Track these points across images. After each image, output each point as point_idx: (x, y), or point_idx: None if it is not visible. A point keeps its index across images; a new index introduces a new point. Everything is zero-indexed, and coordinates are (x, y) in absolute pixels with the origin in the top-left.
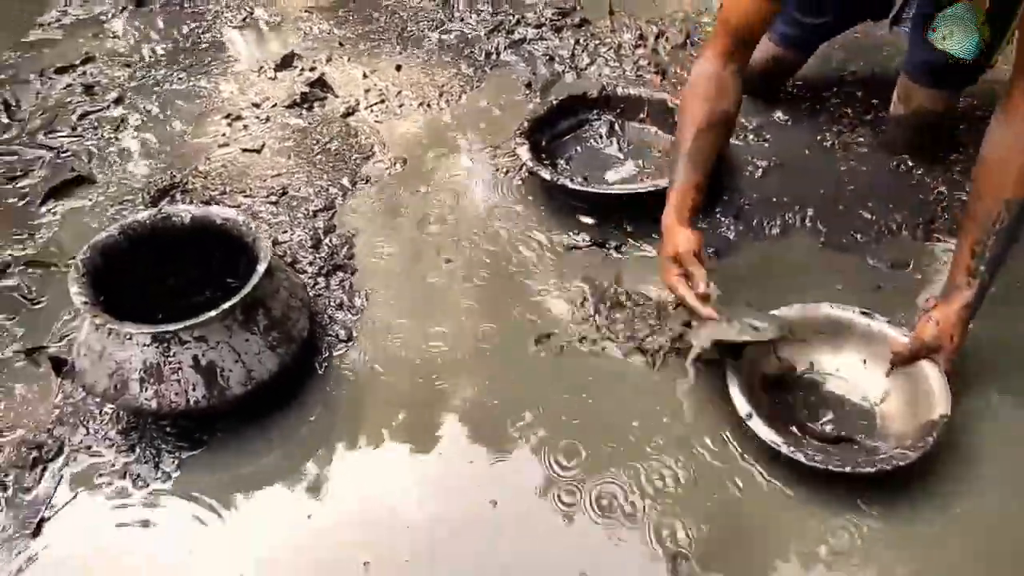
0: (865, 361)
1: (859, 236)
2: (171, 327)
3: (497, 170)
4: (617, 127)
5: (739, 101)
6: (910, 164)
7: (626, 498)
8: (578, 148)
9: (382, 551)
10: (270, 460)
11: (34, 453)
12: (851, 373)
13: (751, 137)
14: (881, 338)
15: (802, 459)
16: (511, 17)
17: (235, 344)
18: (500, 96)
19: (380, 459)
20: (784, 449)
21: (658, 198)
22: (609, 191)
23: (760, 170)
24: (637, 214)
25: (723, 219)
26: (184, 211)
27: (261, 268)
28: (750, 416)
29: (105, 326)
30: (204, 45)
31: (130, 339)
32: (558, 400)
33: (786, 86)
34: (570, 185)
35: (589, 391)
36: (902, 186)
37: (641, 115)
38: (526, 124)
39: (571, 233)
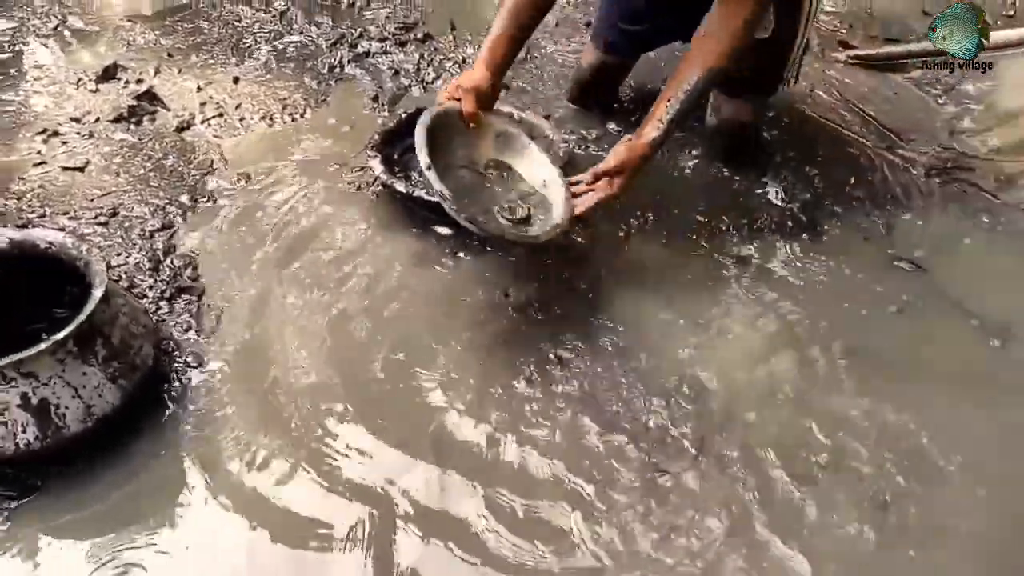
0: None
1: (695, 236)
2: None
3: (349, 184)
4: None
5: None
6: (726, 172)
7: None
8: None
9: None
10: (113, 502)
11: None
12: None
13: (592, 148)
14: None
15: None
16: (353, 30)
17: (70, 378)
18: (347, 110)
19: (238, 495)
20: (446, 205)
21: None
22: (469, 224)
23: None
24: None
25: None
26: (1, 234)
27: (97, 294)
28: (429, 167)
29: None
30: (9, 56)
31: None
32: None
33: (620, 99)
34: (426, 197)
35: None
36: (725, 190)
37: None
38: (377, 137)
39: (433, 243)
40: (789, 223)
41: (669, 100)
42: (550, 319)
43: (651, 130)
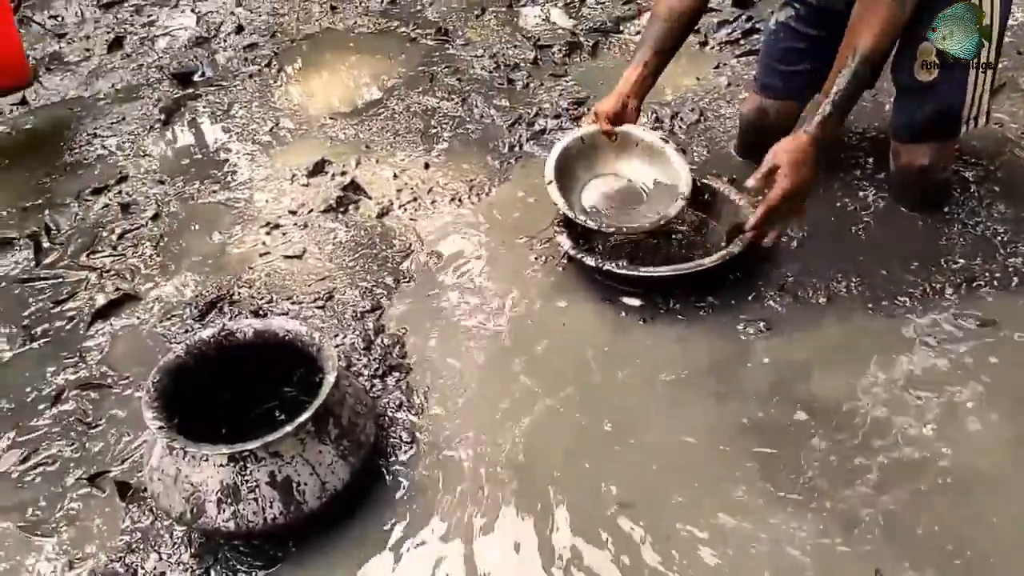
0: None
1: (906, 300)
2: (248, 445)
3: (536, 258)
4: None
5: None
6: (926, 220)
7: None
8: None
9: None
10: (345, 573)
11: None
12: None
13: None
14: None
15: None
16: (529, 110)
17: (308, 456)
18: (529, 186)
19: (460, 562)
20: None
21: (702, 276)
22: (655, 273)
23: (794, 241)
24: (682, 292)
25: (768, 292)
26: (247, 326)
27: (330, 379)
28: (550, 183)
29: (181, 449)
30: (236, 157)
31: (206, 460)
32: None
33: None
34: (616, 270)
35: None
36: (930, 243)
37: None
38: (563, 214)
39: (620, 314)
40: (1014, 279)
41: (828, 92)
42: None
43: (812, 122)
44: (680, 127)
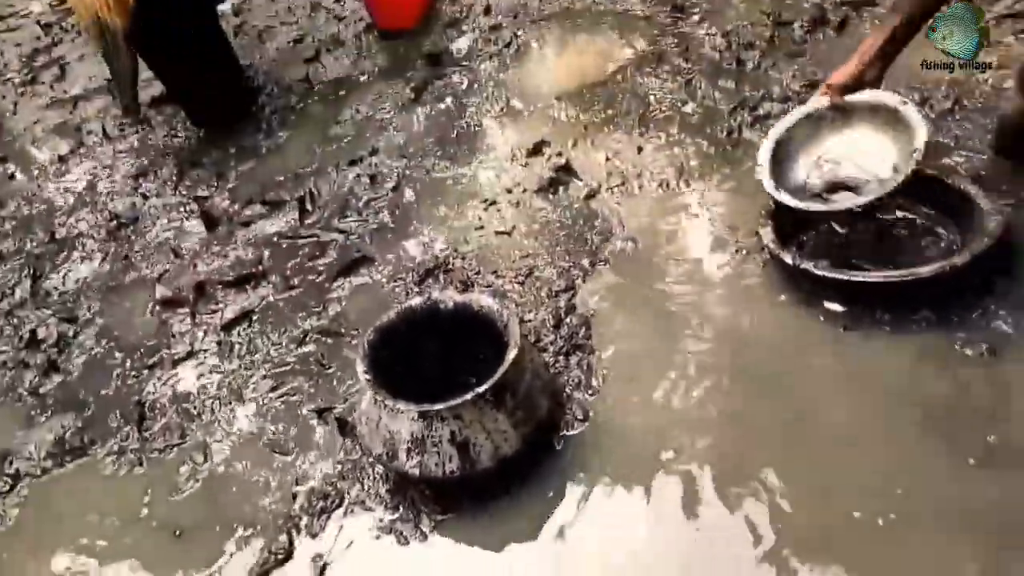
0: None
1: None
2: (435, 406)
3: (737, 251)
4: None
5: None
6: None
7: None
8: (828, 231)
9: None
10: (512, 529)
11: (321, 502)
12: None
13: None
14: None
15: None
16: (755, 92)
17: (486, 423)
18: (740, 175)
19: (622, 538)
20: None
21: (920, 285)
22: (854, 278)
23: None
24: (898, 302)
25: (1000, 311)
26: (449, 298)
27: (511, 355)
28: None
29: (383, 401)
30: (468, 135)
31: (401, 413)
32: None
33: None
34: (814, 271)
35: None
36: None
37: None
38: (772, 205)
39: (820, 319)
40: None
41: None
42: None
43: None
44: (929, 115)
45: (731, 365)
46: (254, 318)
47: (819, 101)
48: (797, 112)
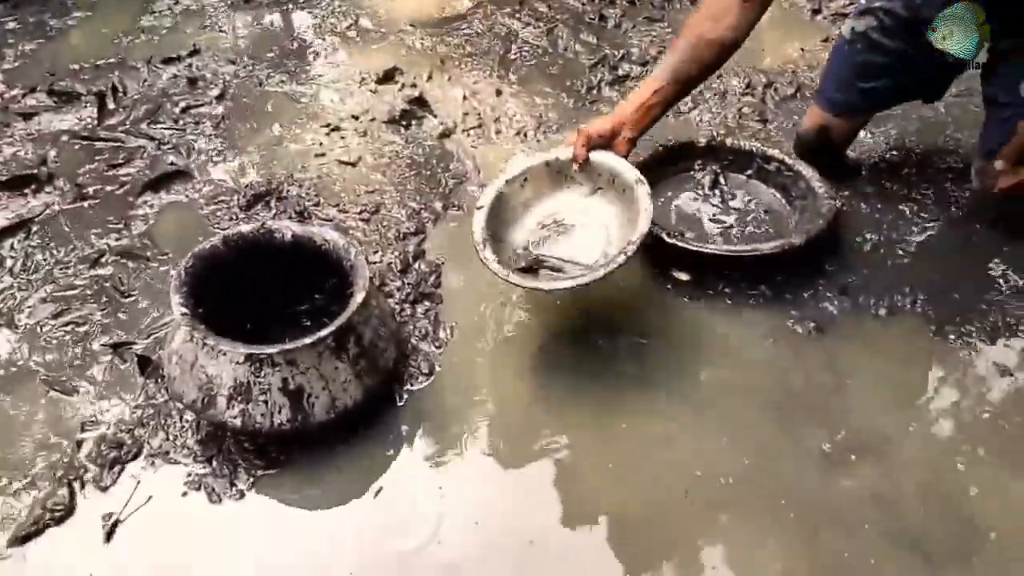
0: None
1: (973, 330)
2: (267, 349)
3: None
4: (721, 180)
5: (742, 28)
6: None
7: None
8: (678, 199)
9: None
10: (341, 488)
11: (114, 452)
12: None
13: (857, 204)
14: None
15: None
16: (615, 52)
17: (324, 371)
18: None
19: (456, 498)
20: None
21: (761, 261)
22: (705, 249)
23: (868, 244)
24: (737, 275)
25: (827, 293)
26: (286, 227)
27: (358, 298)
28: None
29: (201, 339)
30: (309, 49)
31: (224, 355)
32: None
33: (858, 160)
34: (666, 239)
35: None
36: (1017, 271)
37: (748, 170)
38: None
39: (667, 287)
40: None
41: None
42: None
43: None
44: (772, 98)
45: (576, 327)
46: (33, 229)
47: (563, 152)
48: (539, 157)
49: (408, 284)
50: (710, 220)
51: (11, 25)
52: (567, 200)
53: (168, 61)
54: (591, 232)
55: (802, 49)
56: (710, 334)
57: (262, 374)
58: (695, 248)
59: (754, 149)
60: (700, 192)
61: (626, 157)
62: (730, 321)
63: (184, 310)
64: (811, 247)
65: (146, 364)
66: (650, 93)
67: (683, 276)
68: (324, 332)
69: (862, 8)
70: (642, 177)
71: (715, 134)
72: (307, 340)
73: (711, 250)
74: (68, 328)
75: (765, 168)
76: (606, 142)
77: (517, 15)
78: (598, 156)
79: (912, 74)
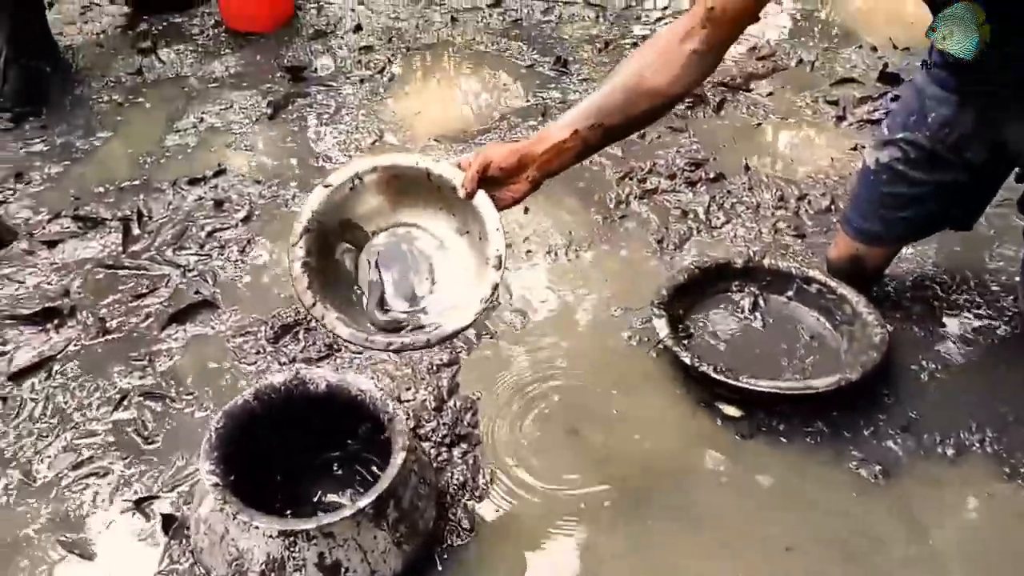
0: None
1: None
2: (300, 525)
3: (629, 337)
4: (761, 302)
5: (682, 81)
6: None
7: None
8: (717, 324)
9: None
10: None
11: None
12: None
13: (908, 327)
14: None
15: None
16: (643, 165)
17: (362, 542)
18: (630, 251)
19: None
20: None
21: (815, 399)
22: (755, 387)
23: (925, 372)
24: (791, 412)
25: (889, 431)
26: (320, 377)
27: (398, 460)
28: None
29: (232, 513)
30: (332, 168)
31: (255, 529)
32: None
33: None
34: (712, 375)
35: None
36: None
37: (788, 291)
38: (664, 293)
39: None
40: None
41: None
42: None
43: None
44: (807, 212)
45: (628, 465)
46: (55, 368)
47: (446, 168)
48: (418, 160)
49: (444, 424)
50: (757, 351)
51: (38, 147)
52: (431, 224)
53: (194, 182)
54: (446, 272)
55: (831, 159)
56: (766, 479)
57: (297, 548)
58: (745, 385)
59: (793, 270)
60: (740, 316)
61: (520, 200)
62: (788, 464)
63: (215, 480)
64: (865, 378)
65: (171, 522)
66: (569, 133)
67: (733, 412)
68: (364, 502)
69: (885, 139)
70: (505, 261)
71: (751, 253)
72: (346, 512)
73: (764, 387)
74: (88, 481)
75: (806, 289)
76: (505, 176)
77: (539, 128)
78: (483, 201)
79: (941, 205)
